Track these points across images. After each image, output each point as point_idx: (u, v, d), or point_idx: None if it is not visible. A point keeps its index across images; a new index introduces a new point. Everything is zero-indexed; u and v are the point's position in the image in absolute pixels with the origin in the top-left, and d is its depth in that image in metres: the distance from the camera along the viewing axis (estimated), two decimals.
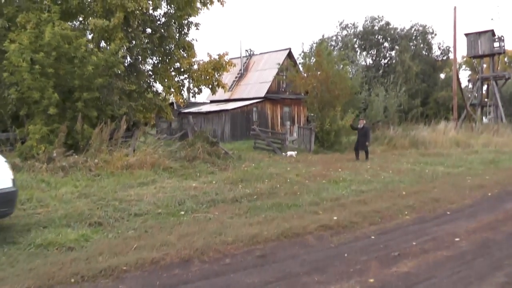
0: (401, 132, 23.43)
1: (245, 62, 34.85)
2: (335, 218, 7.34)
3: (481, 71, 38.35)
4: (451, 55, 47.98)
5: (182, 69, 17.04)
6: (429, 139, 23.27)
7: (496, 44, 36.97)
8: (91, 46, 14.56)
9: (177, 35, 16.90)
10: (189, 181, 10.90)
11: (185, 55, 16.97)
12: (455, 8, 29.71)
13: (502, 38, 36.89)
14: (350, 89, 22.19)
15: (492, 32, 37.02)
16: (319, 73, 22.20)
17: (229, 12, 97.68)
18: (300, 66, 24.87)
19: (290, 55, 31.89)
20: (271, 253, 5.70)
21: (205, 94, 33.89)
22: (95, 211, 7.44)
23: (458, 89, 31.33)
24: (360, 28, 49.66)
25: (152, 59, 16.94)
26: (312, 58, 22.73)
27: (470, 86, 40.86)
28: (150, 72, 17.26)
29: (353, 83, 23.23)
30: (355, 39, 49.04)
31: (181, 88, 17.39)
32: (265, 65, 32.79)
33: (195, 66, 17.19)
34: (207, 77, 17.16)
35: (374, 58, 50.37)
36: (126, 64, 15.86)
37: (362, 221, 7.36)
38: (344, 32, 50.46)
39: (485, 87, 40.32)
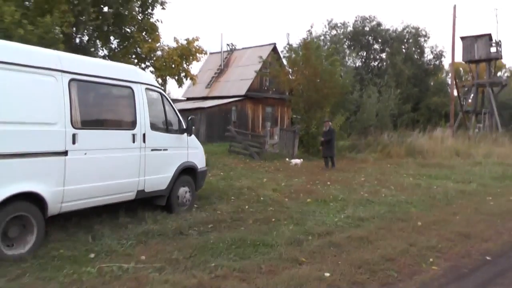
0: (396, 139, 20.87)
1: (226, 57, 32.03)
2: (326, 275, 4.58)
3: (477, 77, 36.21)
4: (444, 60, 46.09)
5: (143, 55, 14.15)
6: (427, 147, 20.82)
7: (493, 49, 34.87)
8: (25, 20, 11.56)
9: (140, 14, 14.02)
10: None
11: (148, 39, 14.09)
12: (454, 6, 27.46)
13: (500, 42, 34.83)
14: (340, 88, 19.55)
15: (489, 36, 34.87)
16: (306, 70, 19.48)
17: (211, 3, 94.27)
18: (284, 60, 22.06)
19: (275, 51, 29.16)
20: None
21: (181, 90, 30.96)
22: None
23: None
24: (350, 28, 47.41)
25: (108, 41, 13.96)
26: (299, 52, 19.98)
27: (465, 91, 38.60)
28: (107, 58, 14.31)
29: (344, 81, 20.60)
30: (344, 39, 46.70)
31: None
32: (248, 61, 29.97)
33: (159, 53, 14.34)
34: (173, 66, 14.33)
35: (364, 60, 48.12)
36: (74, 45, 12.89)
37: (369, 279, 4.63)
38: (333, 32, 48.13)
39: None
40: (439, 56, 46.34)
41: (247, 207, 7.88)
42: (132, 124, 6.49)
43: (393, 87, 29.07)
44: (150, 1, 14.01)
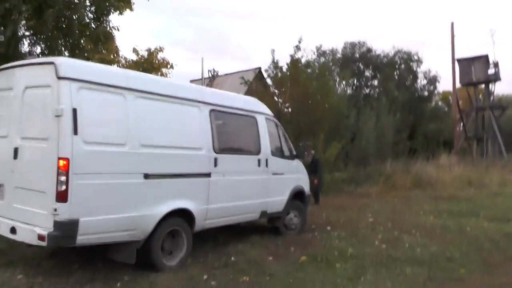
0: (401, 168, 18.18)
1: (208, 84, 29.52)
2: None
3: (476, 101, 34.09)
4: (438, 85, 44.27)
5: None
6: (435, 177, 18.19)
7: (491, 71, 32.91)
8: None
9: (92, 20, 11.40)
10: None
11: (102, 49, 11.42)
12: (452, 24, 25.54)
13: (497, 63, 32.92)
14: (335, 109, 16.94)
15: (486, 58, 33.00)
16: (294, 90, 16.81)
17: (189, 25, 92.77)
18: (269, 80, 19.38)
19: (260, 76, 26.72)
20: None
21: None
22: None
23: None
24: (339, 55, 45.47)
25: (50, 48, 11.23)
26: (286, 70, 17.44)
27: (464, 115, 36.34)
28: None
29: (339, 101, 18.04)
30: (333, 67, 44.69)
31: None
32: (231, 87, 27.36)
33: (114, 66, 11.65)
34: None
35: (355, 88, 46.04)
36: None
37: None
38: (322, 59, 46.18)
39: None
40: (433, 81, 44.43)
41: (205, 276, 4.99)
42: (257, 150, 7.17)
43: (392, 114, 26.58)
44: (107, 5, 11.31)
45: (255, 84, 23.85)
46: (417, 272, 5.35)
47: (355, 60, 45.22)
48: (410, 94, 40.68)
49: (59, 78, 4.52)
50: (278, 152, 7.64)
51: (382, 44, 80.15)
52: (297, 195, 8.04)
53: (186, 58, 79.76)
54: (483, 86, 34.84)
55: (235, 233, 7.48)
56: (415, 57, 44.28)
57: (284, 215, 7.71)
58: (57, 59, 4.76)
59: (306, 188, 8.44)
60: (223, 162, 6.23)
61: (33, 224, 4.54)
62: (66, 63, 4.74)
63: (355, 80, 45.38)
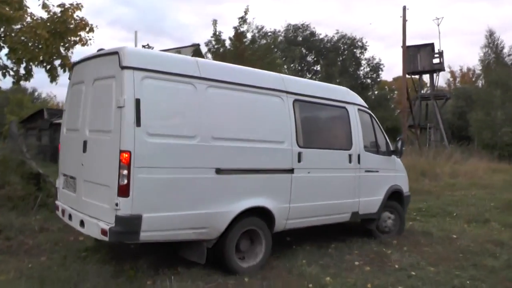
0: None
1: None
2: None
3: (420, 89, 34.04)
4: (381, 73, 44.18)
5: None
6: None
7: (436, 60, 32.92)
8: None
9: None
10: None
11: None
12: (404, 8, 24.55)
13: (442, 53, 32.97)
14: None
15: (432, 47, 32.92)
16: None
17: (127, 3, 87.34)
18: (210, 56, 17.06)
19: (199, 54, 24.33)
20: None
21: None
22: None
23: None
24: (281, 37, 43.76)
25: None
26: (229, 45, 15.40)
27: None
28: None
29: None
30: (275, 50, 43.00)
31: None
32: None
33: (18, 26, 9.10)
34: (40, 47, 9.08)
35: (297, 73, 44.79)
36: None
37: None
38: (264, 41, 44.29)
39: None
40: (376, 69, 44.24)
41: None
42: (348, 145, 6.54)
43: None
44: None
45: None
46: None
47: (298, 43, 43.92)
48: (353, 81, 40.11)
49: (122, 67, 4.37)
50: (372, 147, 6.99)
51: (327, 29, 79.66)
52: (394, 196, 7.33)
53: (122, 37, 74.88)
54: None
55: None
56: (359, 44, 43.80)
57: (377, 217, 7.09)
58: (121, 49, 4.49)
59: (405, 188, 7.70)
60: (308, 157, 5.77)
61: (97, 218, 4.49)
62: (130, 52, 4.51)
63: (297, 65, 44.24)
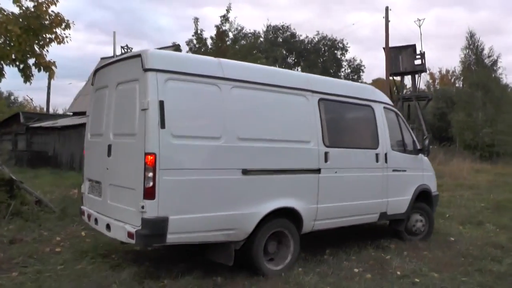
0: None
1: None
2: None
3: (402, 90, 34.17)
4: (362, 75, 44.41)
5: None
6: None
7: (417, 61, 33.08)
8: None
9: None
10: None
11: None
12: (387, 8, 24.58)
13: (424, 54, 33.14)
14: None
15: (413, 48, 33.06)
16: None
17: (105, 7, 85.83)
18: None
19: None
20: None
21: (66, 102, 24.21)
22: None
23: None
24: (261, 39, 43.46)
25: None
26: (211, 46, 14.99)
27: None
28: None
29: None
30: (254, 51, 42.70)
31: None
32: None
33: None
34: (12, 45, 8.50)
35: None
36: None
37: None
38: (244, 42, 43.97)
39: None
40: (357, 70, 44.40)
41: None
42: (375, 144, 6.42)
43: None
44: None
45: None
46: None
47: (278, 44, 43.74)
48: None
49: (145, 70, 4.37)
50: (399, 146, 6.86)
51: (308, 32, 79.49)
52: (422, 196, 7.17)
53: (100, 40, 73.59)
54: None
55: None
56: (340, 45, 43.90)
57: (405, 217, 6.91)
58: (144, 51, 4.51)
59: (433, 188, 7.57)
60: (335, 157, 5.70)
61: (124, 221, 4.49)
62: (153, 54, 4.50)
63: (277, 66, 44.04)
